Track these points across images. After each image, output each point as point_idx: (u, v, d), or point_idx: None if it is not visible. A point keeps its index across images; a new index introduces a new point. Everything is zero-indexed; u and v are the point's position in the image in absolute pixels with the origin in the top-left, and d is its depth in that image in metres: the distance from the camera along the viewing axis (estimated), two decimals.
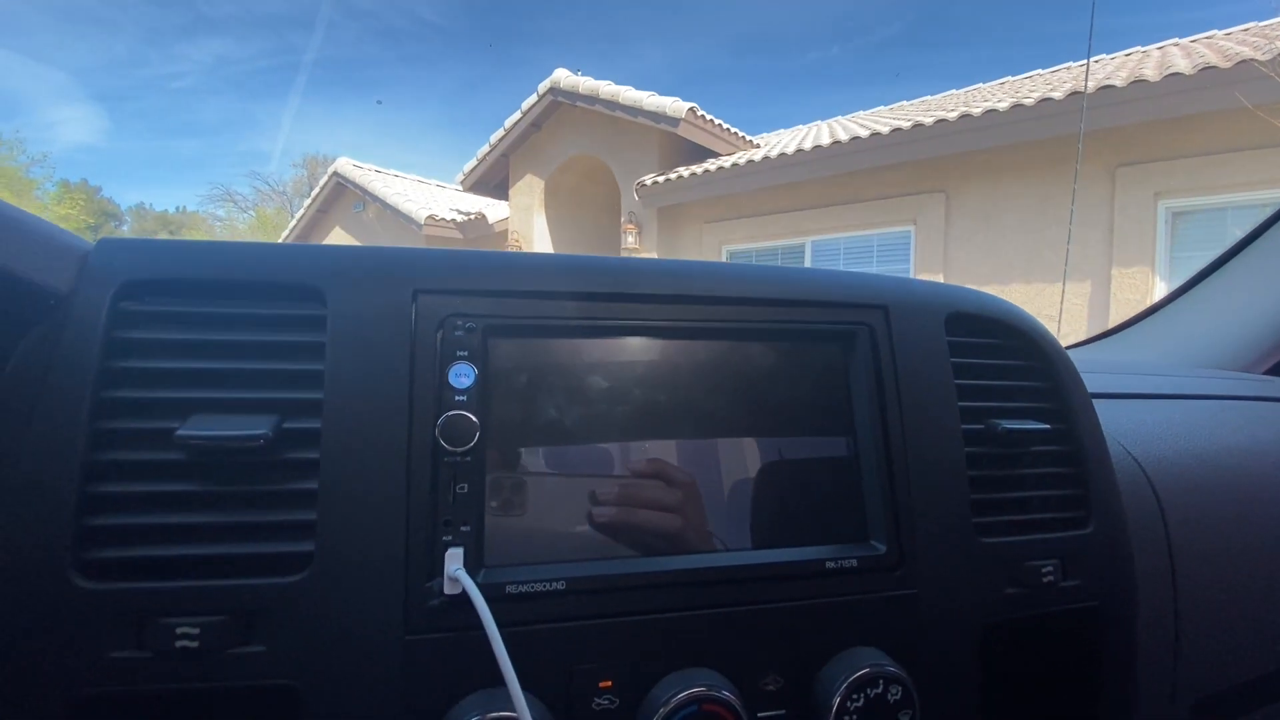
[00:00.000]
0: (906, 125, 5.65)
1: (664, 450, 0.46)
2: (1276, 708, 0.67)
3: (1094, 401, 0.58)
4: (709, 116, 6.92)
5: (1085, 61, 6.25)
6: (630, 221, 7.50)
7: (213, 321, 0.41)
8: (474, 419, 0.41)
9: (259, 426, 0.38)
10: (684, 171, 6.74)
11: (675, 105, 6.68)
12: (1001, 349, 0.57)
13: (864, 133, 5.84)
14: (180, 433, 0.37)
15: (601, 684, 0.42)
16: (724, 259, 7.23)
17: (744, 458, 0.48)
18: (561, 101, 7.99)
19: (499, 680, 0.37)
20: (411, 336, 0.42)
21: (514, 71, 69.36)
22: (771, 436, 0.48)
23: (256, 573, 0.38)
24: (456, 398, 0.42)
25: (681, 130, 6.75)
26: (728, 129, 7.20)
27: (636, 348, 0.46)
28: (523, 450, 0.43)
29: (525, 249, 9.13)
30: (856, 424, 0.50)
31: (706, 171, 6.55)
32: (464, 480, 0.41)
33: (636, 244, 7.49)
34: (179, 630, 0.36)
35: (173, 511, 0.38)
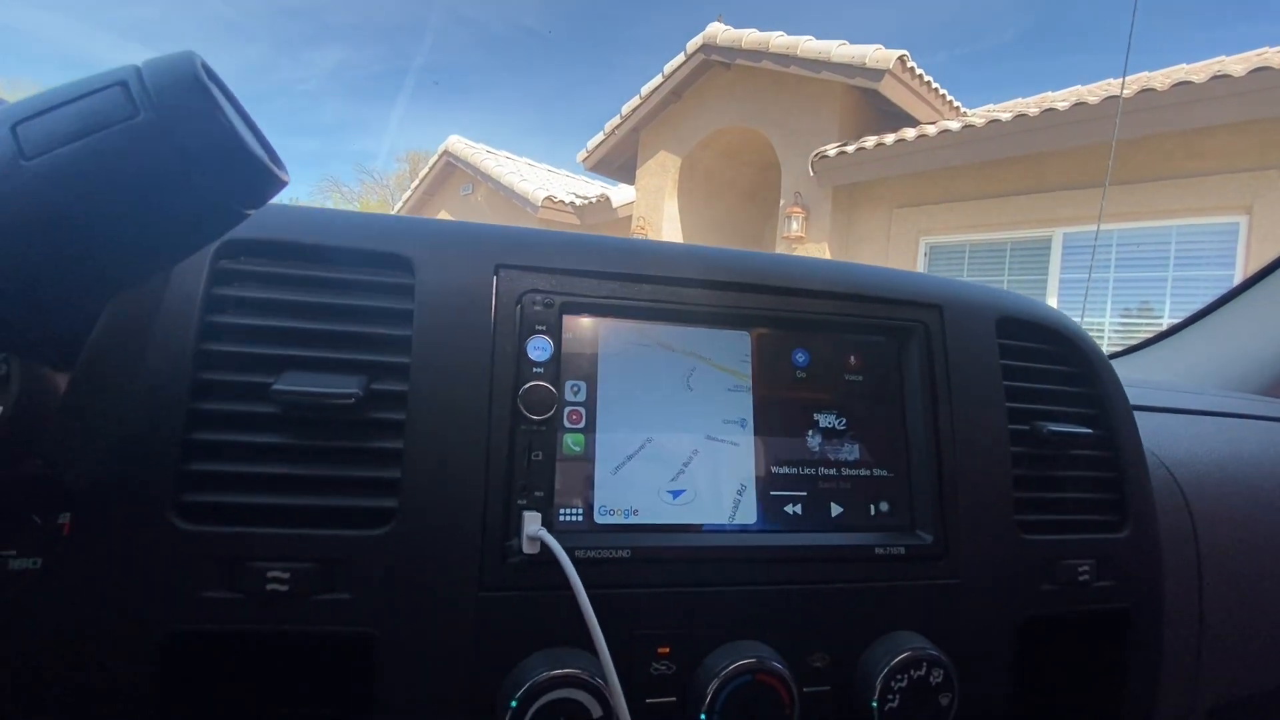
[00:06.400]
0: (1238, 71, 3.95)
1: (726, 433, 0.49)
2: None
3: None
4: (920, 71, 5.41)
5: None
6: (796, 204, 6.09)
7: (307, 283, 0.44)
8: (553, 389, 0.44)
9: (350, 385, 0.40)
10: (886, 139, 5.23)
11: (879, 55, 5.21)
12: (1049, 354, 0.59)
13: (1160, 85, 4.18)
14: (276, 387, 0.39)
15: (660, 650, 0.44)
16: (921, 254, 5.68)
17: (802, 444, 0.50)
18: (715, 61, 6.69)
19: (564, 639, 0.41)
20: (493, 309, 0.45)
21: (610, 76, 69.61)
22: (828, 426, 0.51)
23: (343, 524, 0.40)
24: (534, 369, 0.44)
25: (884, 86, 5.28)
26: (937, 89, 5.66)
27: (703, 332, 0.49)
28: (592, 423, 0.46)
29: (652, 238, 7.94)
30: (908, 418, 0.52)
31: (922, 137, 5.02)
32: (539, 448, 0.44)
33: (802, 231, 6.05)
34: (270, 574, 0.38)
35: (267, 462, 0.40)
